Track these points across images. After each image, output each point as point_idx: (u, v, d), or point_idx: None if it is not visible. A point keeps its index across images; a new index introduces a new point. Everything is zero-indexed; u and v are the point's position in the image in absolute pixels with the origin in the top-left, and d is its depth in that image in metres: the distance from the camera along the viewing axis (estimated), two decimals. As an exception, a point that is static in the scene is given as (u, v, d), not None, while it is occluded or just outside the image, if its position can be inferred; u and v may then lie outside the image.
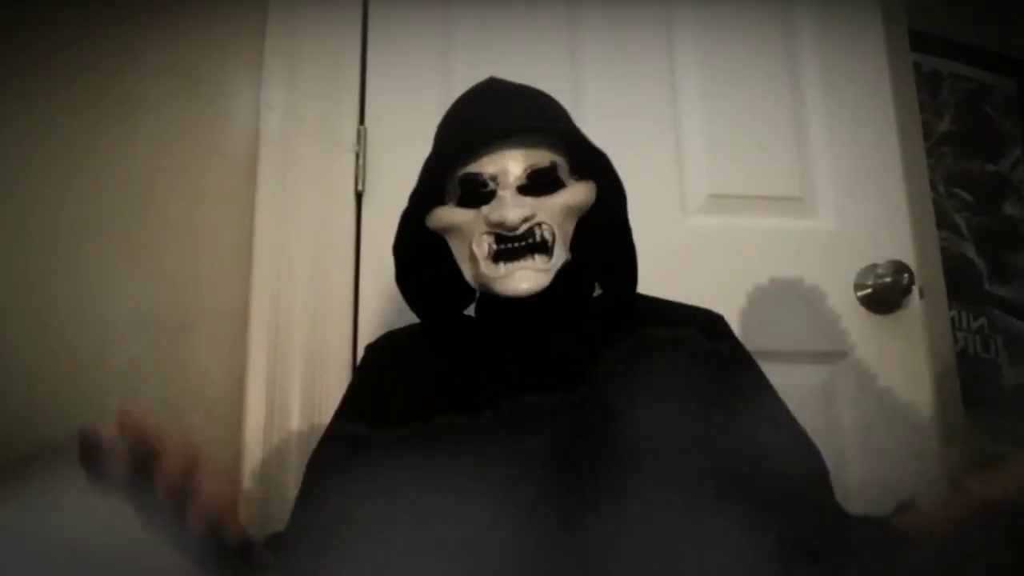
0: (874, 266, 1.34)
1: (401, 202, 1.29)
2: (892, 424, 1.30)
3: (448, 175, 0.88)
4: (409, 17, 1.39)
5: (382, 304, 1.26)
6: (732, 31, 1.45)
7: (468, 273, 0.86)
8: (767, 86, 1.43)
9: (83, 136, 1.28)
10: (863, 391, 1.31)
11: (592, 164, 0.88)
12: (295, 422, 1.21)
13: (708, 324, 0.90)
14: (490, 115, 0.87)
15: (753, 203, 1.37)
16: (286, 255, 1.28)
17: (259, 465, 1.18)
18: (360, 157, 1.33)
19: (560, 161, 0.87)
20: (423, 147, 1.32)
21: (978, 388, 1.60)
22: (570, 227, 0.86)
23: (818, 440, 0.83)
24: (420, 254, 0.91)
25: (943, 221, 1.64)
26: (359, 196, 1.32)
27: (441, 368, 0.86)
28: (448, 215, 0.87)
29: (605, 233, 0.89)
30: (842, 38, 1.46)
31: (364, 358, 0.95)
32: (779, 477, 0.77)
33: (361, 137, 1.34)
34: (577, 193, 0.86)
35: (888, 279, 1.31)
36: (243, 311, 1.25)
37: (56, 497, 1.04)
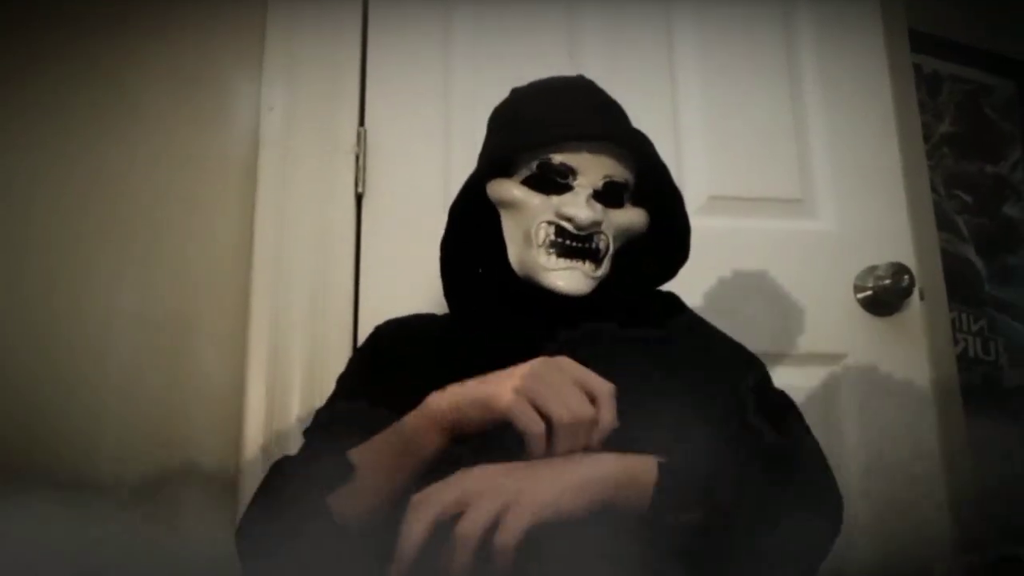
0: (874, 268, 1.34)
1: (401, 203, 1.31)
2: (892, 425, 1.30)
3: (523, 153, 0.87)
4: (409, 19, 1.39)
5: (382, 305, 1.25)
6: (732, 32, 1.45)
7: (514, 253, 0.86)
8: (767, 87, 1.43)
9: (84, 137, 1.28)
10: (863, 393, 1.31)
11: (655, 195, 0.89)
12: (295, 423, 1.21)
13: (748, 371, 0.89)
14: (593, 112, 0.87)
15: (753, 205, 1.37)
16: (286, 256, 1.28)
17: (259, 466, 1.17)
18: (360, 159, 1.33)
19: (631, 182, 0.88)
20: (423, 148, 1.34)
21: (978, 390, 1.60)
22: (619, 245, 0.87)
23: (818, 441, 0.83)
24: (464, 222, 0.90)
25: (943, 222, 1.64)
26: (359, 197, 1.32)
27: (453, 363, 0.86)
28: (514, 190, 0.86)
29: (652, 262, 0.92)
30: (842, 39, 1.46)
31: (372, 341, 0.94)
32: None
33: (361, 139, 1.34)
34: (637, 217, 0.88)
35: (888, 281, 1.31)
36: (243, 312, 1.25)
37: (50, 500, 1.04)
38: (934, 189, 1.64)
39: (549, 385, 0.68)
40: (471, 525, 0.62)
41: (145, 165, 1.29)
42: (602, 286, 0.86)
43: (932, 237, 1.56)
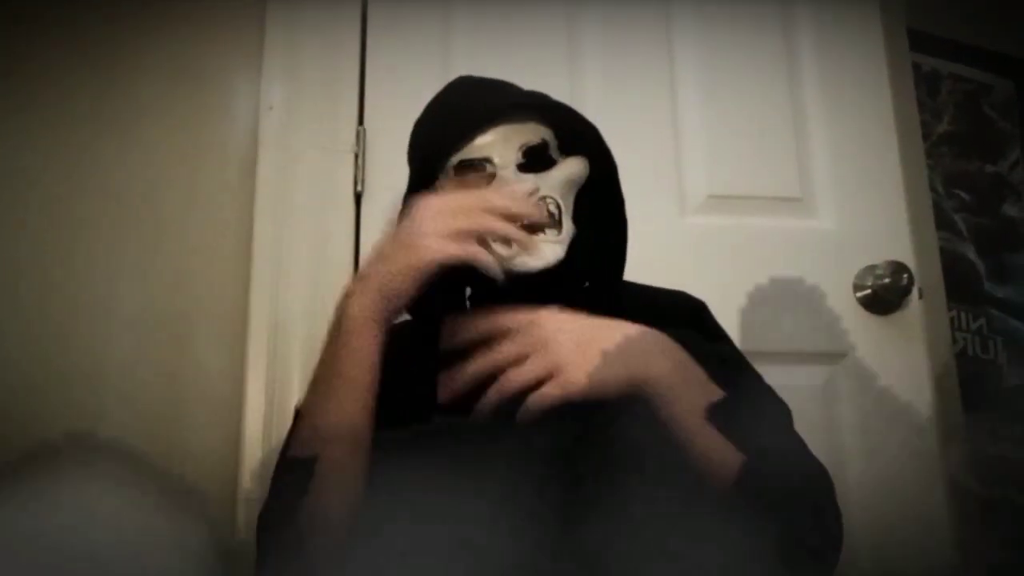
0: (873, 267, 1.34)
1: (400, 202, 1.30)
2: (891, 425, 1.30)
3: (439, 166, 0.87)
4: (408, 18, 1.39)
5: (381, 305, 1.26)
6: (731, 31, 1.45)
7: None
8: (766, 86, 1.43)
9: (83, 136, 1.28)
10: (862, 392, 1.31)
11: (580, 140, 0.88)
12: (294, 423, 1.21)
13: (697, 320, 0.91)
14: (476, 100, 0.87)
15: (752, 203, 1.37)
16: (285, 256, 1.28)
17: (258, 465, 1.18)
18: (359, 158, 1.33)
19: (550, 138, 0.87)
20: (422, 148, 1.33)
21: (977, 389, 1.60)
22: (570, 201, 0.86)
23: (818, 440, 0.83)
24: None
25: (942, 222, 1.64)
26: (358, 197, 1.32)
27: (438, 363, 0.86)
28: None
29: (596, 210, 0.89)
30: (841, 38, 1.46)
31: None
32: (780, 478, 0.76)
33: (360, 138, 1.34)
34: (572, 167, 0.87)
35: (887, 280, 1.31)
36: (242, 311, 1.25)
37: (55, 496, 1.05)
38: (933, 188, 1.64)
39: (469, 214, 0.73)
40: (518, 377, 0.72)
41: (144, 163, 1.29)
42: (578, 254, 0.85)
43: (931, 236, 1.56)
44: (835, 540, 0.77)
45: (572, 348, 0.73)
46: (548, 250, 0.82)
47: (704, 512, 0.72)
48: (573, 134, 0.88)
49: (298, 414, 0.82)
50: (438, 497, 0.74)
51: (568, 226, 0.84)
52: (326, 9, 1.38)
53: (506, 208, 0.74)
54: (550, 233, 0.82)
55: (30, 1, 1.30)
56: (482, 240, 0.81)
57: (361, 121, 1.35)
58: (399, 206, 0.90)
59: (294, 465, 0.76)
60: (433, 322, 0.91)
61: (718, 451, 0.72)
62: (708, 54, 1.44)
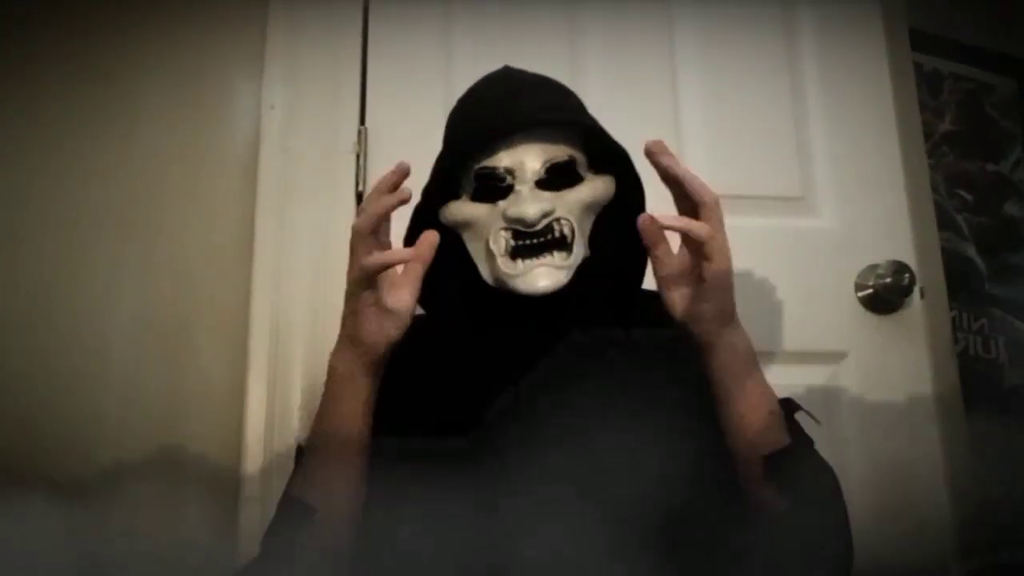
0: (875, 266, 1.34)
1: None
2: (893, 424, 1.30)
3: (463, 167, 0.86)
4: (409, 17, 1.39)
5: (383, 304, 1.26)
6: (733, 30, 1.45)
7: (484, 270, 0.84)
8: (768, 85, 1.43)
9: (84, 137, 1.28)
10: (864, 391, 1.31)
11: (611, 158, 0.87)
12: (296, 423, 1.21)
13: None
14: (507, 107, 0.84)
15: (754, 203, 1.37)
16: (287, 256, 1.28)
17: (260, 466, 1.18)
18: (361, 158, 1.33)
19: (578, 155, 0.85)
20: (424, 147, 1.32)
21: (979, 389, 1.60)
22: (589, 222, 0.85)
23: (819, 440, 0.83)
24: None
25: (944, 221, 1.64)
26: (360, 197, 1.32)
27: (444, 371, 0.86)
28: (463, 210, 0.85)
29: (621, 229, 0.89)
30: (843, 38, 1.46)
31: None
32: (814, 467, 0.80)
33: (362, 138, 1.34)
34: (596, 188, 0.85)
35: (889, 279, 1.31)
36: (244, 312, 1.25)
37: (50, 498, 1.04)
38: (935, 188, 1.64)
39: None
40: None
41: (145, 163, 1.29)
42: (591, 276, 0.85)
43: (933, 236, 1.55)
44: (848, 545, 0.77)
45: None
46: (549, 275, 0.81)
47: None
48: (603, 153, 0.87)
49: (300, 452, 0.82)
50: (430, 515, 0.76)
51: (579, 250, 0.82)
52: (328, 8, 1.38)
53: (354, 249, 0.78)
54: (557, 256, 0.81)
55: (32, 3, 1.30)
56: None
57: (363, 121, 1.35)
58: (409, 203, 0.90)
59: (295, 504, 0.77)
60: (447, 315, 0.91)
61: (764, 419, 0.76)
62: (709, 54, 1.44)
